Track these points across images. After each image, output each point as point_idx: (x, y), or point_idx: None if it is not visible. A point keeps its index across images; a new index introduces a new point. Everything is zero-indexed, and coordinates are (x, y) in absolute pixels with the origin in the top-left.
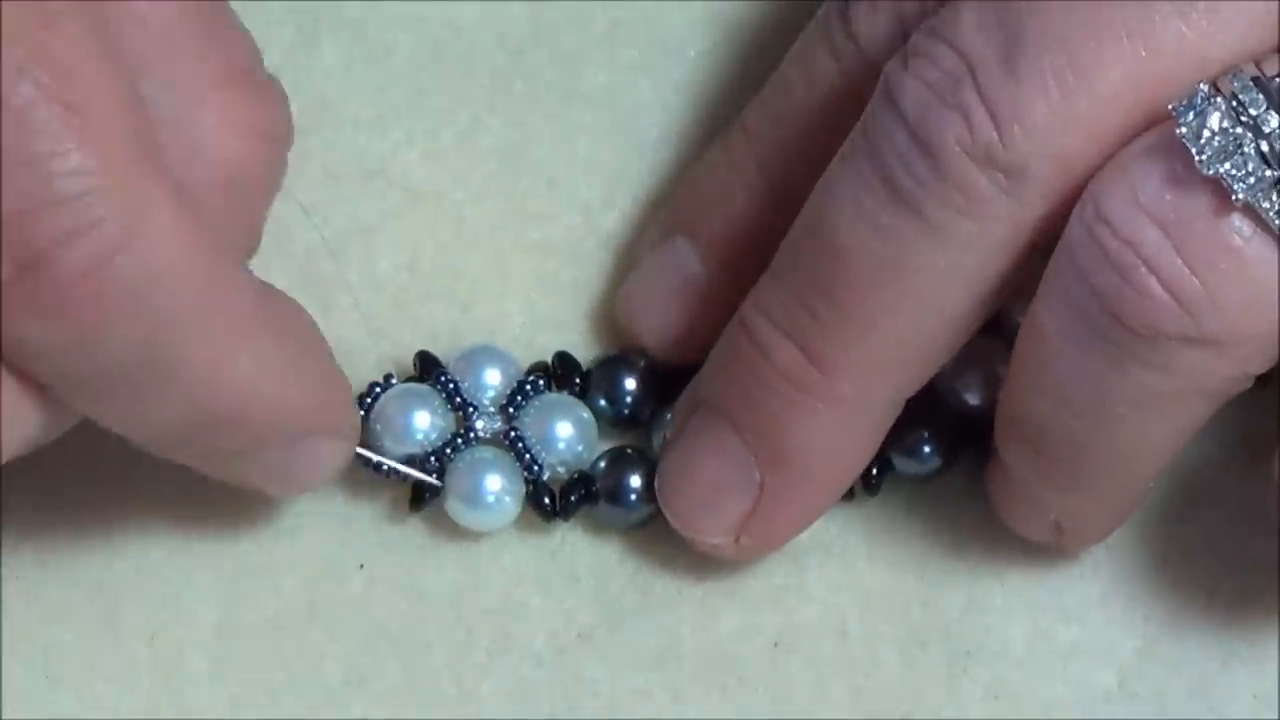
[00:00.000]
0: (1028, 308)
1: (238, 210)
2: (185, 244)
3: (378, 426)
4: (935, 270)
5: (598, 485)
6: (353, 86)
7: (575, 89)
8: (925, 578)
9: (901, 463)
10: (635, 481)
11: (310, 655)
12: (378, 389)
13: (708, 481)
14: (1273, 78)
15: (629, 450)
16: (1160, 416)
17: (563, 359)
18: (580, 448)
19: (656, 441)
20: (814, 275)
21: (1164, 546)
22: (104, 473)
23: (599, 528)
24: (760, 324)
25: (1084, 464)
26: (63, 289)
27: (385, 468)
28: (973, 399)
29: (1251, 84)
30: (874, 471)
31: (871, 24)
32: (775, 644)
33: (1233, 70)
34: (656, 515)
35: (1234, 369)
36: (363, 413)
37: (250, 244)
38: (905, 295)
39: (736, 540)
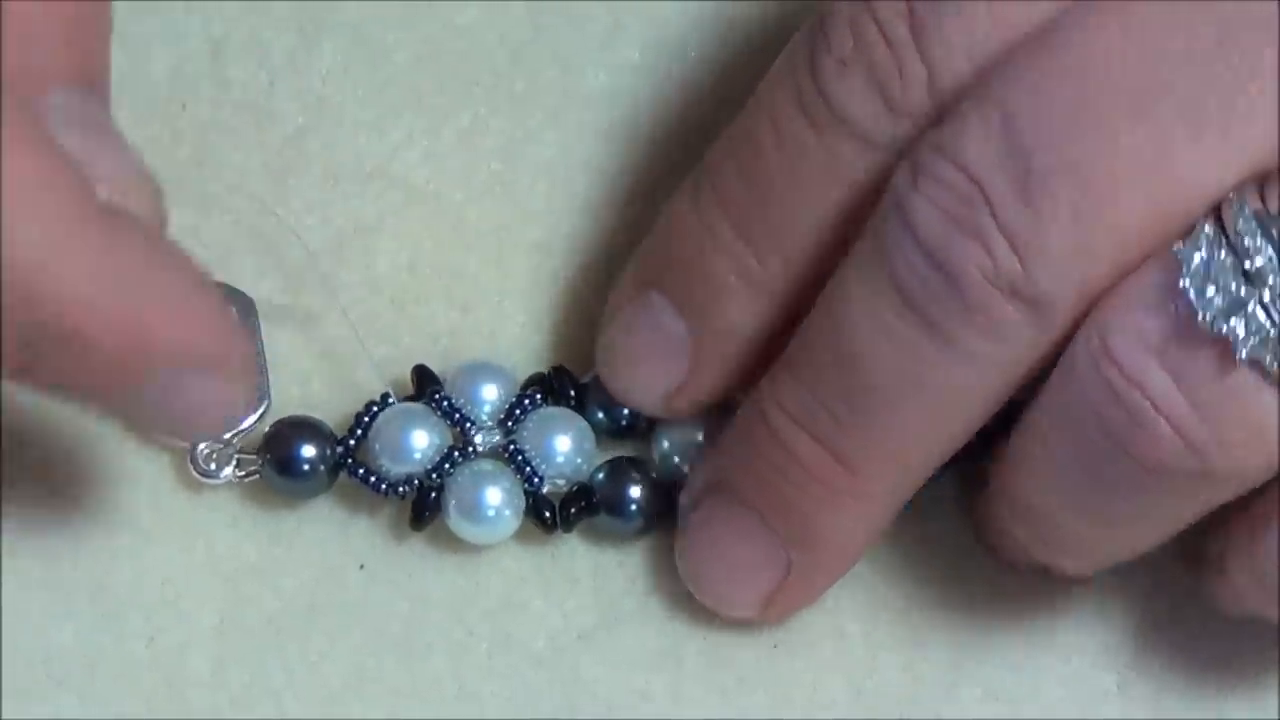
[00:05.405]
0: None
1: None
2: None
3: (376, 446)
4: (956, 385)
5: (597, 497)
6: (353, 87)
7: (575, 89)
8: (925, 578)
9: None
10: (635, 492)
11: (310, 656)
12: (375, 409)
13: (734, 564)
14: (1276, 214)
15: (628, 460)
16: (1160, 523)
17: (559, 372)
18: (579, 460)
19: (656, 452)
20: (833, 378)
21: (1164, 546)
22: (105, 472)
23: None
24: (781, 420)
25: (1081, 544)
26: None
27: (384, 486)
28: None
29: (1255, 223)
30: None
31: (842, 82)
32: (775, 645)
33: (1238, 198)
34: (656, 525)
35: (1235, 491)
36: (360, 432)
37: (89, 75)
38: (927, 406)
39: (764, 608)
